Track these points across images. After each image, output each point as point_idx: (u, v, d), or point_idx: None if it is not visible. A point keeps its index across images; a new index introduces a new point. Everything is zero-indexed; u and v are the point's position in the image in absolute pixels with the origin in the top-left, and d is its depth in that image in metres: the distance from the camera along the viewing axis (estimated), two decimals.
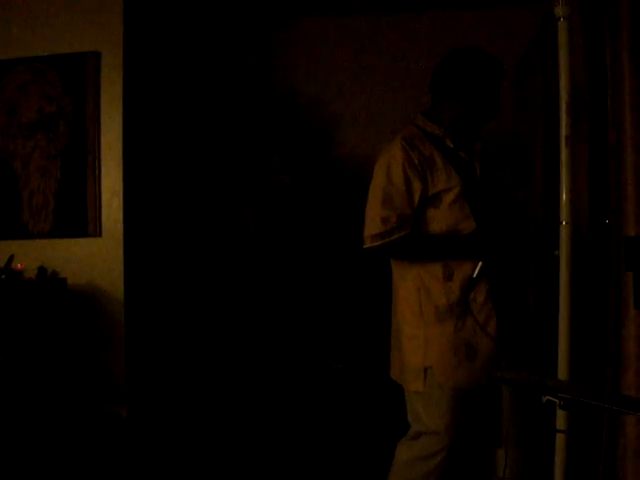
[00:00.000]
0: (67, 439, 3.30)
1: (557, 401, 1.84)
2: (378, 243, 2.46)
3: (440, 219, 2.48)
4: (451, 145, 2.54)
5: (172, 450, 3.73)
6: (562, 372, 2.63)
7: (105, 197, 3.61)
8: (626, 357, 2.65)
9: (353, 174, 4.17)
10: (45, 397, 3.24)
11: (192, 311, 4.13)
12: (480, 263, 2.48)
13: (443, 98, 2.60)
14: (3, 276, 3.29)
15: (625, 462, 2.71)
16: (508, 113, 3.93)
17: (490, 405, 2.68)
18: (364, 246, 2.51)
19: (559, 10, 2.63)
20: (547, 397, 1.87)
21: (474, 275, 2.48)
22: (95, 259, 3.61)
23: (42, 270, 3.44)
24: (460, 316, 2.45)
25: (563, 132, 2.68)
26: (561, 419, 2.66)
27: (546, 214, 3.28)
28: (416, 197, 2.43)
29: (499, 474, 3.51)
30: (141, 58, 3.78)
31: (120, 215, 3.60)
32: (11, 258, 3.40)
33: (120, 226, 3.60)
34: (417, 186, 2.43)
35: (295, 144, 4.18)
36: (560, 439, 2.70)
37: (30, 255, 3.52)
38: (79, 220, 3.62)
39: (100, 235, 3.62)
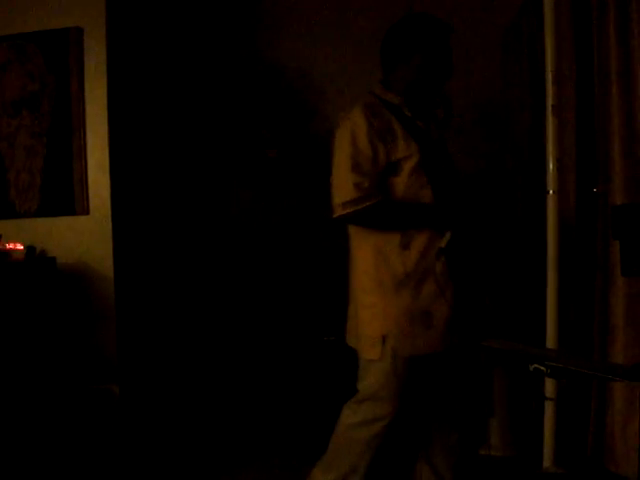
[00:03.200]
0: (59, 417, 3.31)
1: (544, 369, 1.85)
2: (351, 210, 2.41)
3: (400, 187, 2.44)
4: (408, 114, 2.51)
5: (164, 424, 3.75)
6: (550, 341, 2.65)
7: (92, 174, 3.58)
8: (614, 325, 2.67)
9: None
10: (36, 377, 3.24)
11: (182, 286, 4.13)
12: (448, 233, 2.47)
13: (395, 66, 2.57)
14: None
15: (614, 429, 2.74)
16: (496, 81, 3.93)
17: (448, 372, 2.67)
18: (334, 215, 2.46)
19: None
20: (534, 365, 1.88)
21: (443, 245, 2.48)
22: (84, 237, 3.59)
23: (30, 249, 3.42)
24: (417, 284, 2.42)
25: (549, 101, 2.69)
26: (550, 387, 2.69)
27: (533, 183, 3.28)
28: (381, 163, 2.41)
29: (491, 442, 3.57)
30: (124, 32, 3.73)
31: (108, 192, 3.58)
32: None
33: (108, 203, 3.58)
34: (382, 152, 2.40)
35: (281, 118, 4.16)
36: (549, 407, 2.74)
37: (18, 234, 3.49)
38: (66, 198, 3.59)
39: (88, 213, 3.59)
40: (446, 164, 2.58)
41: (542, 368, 1.86)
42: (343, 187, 2.42)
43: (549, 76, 2.66)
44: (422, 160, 2.43)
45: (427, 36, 2.50)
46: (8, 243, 3.38)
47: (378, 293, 2.47)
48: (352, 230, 2.62)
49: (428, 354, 2.44)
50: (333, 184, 2.48)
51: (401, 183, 2.43)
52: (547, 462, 2.79)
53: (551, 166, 2.69)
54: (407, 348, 2.42)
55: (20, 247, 3.39)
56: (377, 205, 2.41)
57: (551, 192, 2.69)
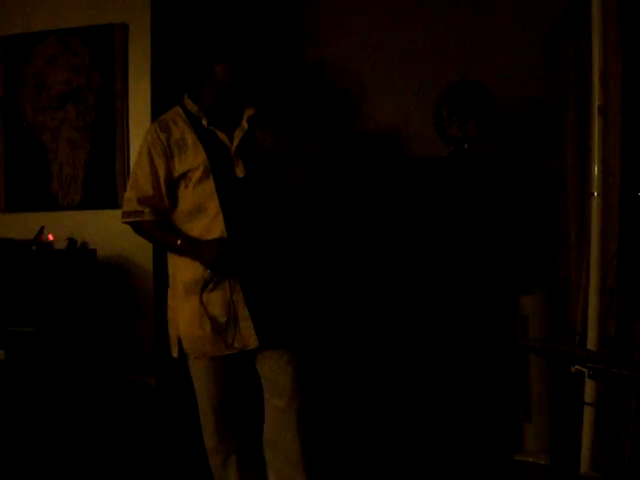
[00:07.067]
0: (96, 406, 3.36)
1: (586, 371, 1.82)
2: (127, 220, 2.59)
3: (187, 198, 2.53)
4: (205, 124, 2.58)
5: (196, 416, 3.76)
6: (591, 343, 2.61)
7: None
8: None
9: (379, 145, 4.15)
10: (76, 366, 3.29)
11: None
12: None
13: (199, 80, 2.68)
14: (34, 247, 3.33)
15: None
16: (541, 81, 3.88)
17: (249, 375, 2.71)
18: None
19: None
20: (576, 367, 1.85)
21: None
22: (125, 230, 3.60)
23: (72, 241, 3.47)
24: (206, 292, 2.51)
25: (596, 101, 2.64)
26: (590, 391, 2.64)
27: (577, 185, 3.24)
28: (161, 179, 2.53)
29: (526, 448, 3.53)
30: (168, 28, 3.76)
31: None
32: (41, 229, 3.43)
33: None
34: (161, 168, 2.52)
35: (322, 115, 4.15)
36: (588, 412, 2.69)
37: (60, 226, 3.55)
38: (108, 191, 3.64)
39: None
40: (245, 170, 2.57)
41: (584, 370, 1.84)
42: (124, 199, 2.61)
43: (596, 75, 2.62)
44: (210, 170, 2.50)
45: (223, 50, 2.63)
46: (50, 235, 3.44)
47: (174, 297, 2.63)
48: None
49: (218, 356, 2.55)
50: None
51: (189, 194, 2.52)
52: (584, 467, 2.74)
53: (596, 168, 2.64)
54: (197, 350, 2.57)
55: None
56: (141, 224, 2.57)
57: (595, 194, 2.65)
